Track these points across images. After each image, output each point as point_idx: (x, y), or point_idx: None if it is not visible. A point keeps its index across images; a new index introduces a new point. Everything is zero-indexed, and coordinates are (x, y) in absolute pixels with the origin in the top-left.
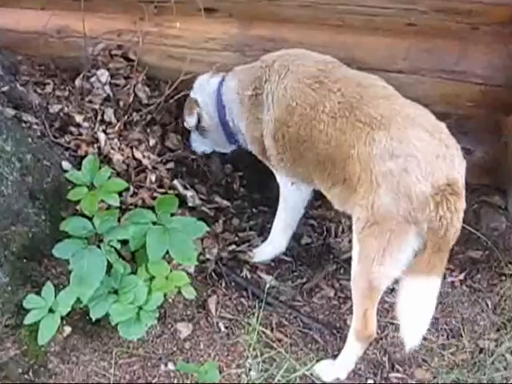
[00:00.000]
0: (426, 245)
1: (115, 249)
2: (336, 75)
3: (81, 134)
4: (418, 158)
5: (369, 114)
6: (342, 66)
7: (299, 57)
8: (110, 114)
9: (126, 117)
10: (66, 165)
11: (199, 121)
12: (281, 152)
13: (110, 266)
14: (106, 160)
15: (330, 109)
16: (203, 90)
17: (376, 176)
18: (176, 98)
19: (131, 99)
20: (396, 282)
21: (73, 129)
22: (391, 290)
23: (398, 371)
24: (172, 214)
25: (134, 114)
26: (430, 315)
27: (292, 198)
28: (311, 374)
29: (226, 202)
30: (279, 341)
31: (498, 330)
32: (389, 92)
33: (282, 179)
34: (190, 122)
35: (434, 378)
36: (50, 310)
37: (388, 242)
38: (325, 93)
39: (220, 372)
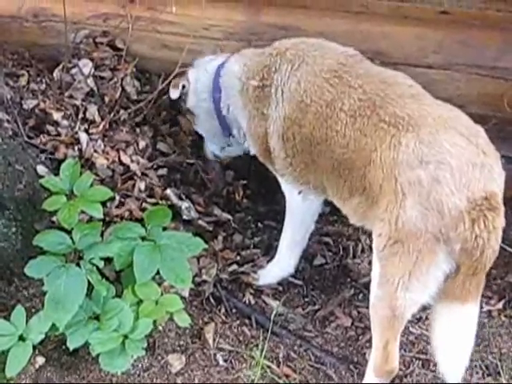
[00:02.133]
0: (459, 267)
1: (97, 268)
2: (358, 70)
3: (59, 134)
4: (452, 166)
5: (394, 114)
6: (364, 60)
7: (316, 47)
8: (93, 112)
9: (111, 115)
10: (41, 169)
11: (181, 97)
12: (290, 155)
13: (90, 287)
14: (87, 164)
15: (350, 107)
16: (200, 66)
17: (401, 185)
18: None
19: (118, 94)
20: (423, 309)
21: (50, 128)
22: (417, 320)
23: None
24: (164, 229)
25: (122, 111)
26: (469, 348)
27: (300, 211)
28: None
29: (226, 215)
30: (287, 377)
31: None
32: (417, 91)
33: (287, 187)
34: (172, 94)
35: None
36: (21, 338)
37: (414, 263)
38: (344, 89)
39: None
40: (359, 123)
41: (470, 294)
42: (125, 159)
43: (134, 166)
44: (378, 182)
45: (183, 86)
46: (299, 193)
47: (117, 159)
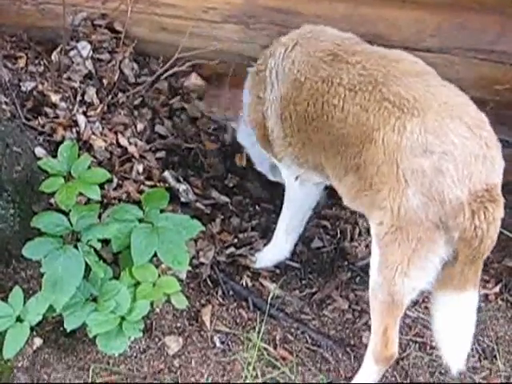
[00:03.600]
0: (457, 255)
1: (95, 249)
2: (354, 48)
3: (57, 117)
4: (455, 158)
5: (398, 94)
6: (361, 42)
7: (312, 32)
8: (91, 94)
9: (109, 97)
10: (39, 151)
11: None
12: (288, 134)
13: (88, 269)
14: (85, 147)
15: (349, 81)
16: None
17: (404, 172)
18: (168, 76)
19: (116, 77)
20: (420, 293)
21: (48, 110)
22: (414, 303)
23: None
24: (161, 211)
25: (120, 94)
26: (470, 334)
27: (297, 197)
28: None
29: (224, 198)
30: (283, 359)
31: None
32: (420, 68)
33: (286, 173)
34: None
35: None
36: (18, 319)
37: (414, 250)
38: (341, 66)
39: None
40: (360, 97)
41: (469, 281)
42: (123, 141)
43: (131, 149)
44: (376, 164)
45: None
46: (296, 178)
47: (115, 141)
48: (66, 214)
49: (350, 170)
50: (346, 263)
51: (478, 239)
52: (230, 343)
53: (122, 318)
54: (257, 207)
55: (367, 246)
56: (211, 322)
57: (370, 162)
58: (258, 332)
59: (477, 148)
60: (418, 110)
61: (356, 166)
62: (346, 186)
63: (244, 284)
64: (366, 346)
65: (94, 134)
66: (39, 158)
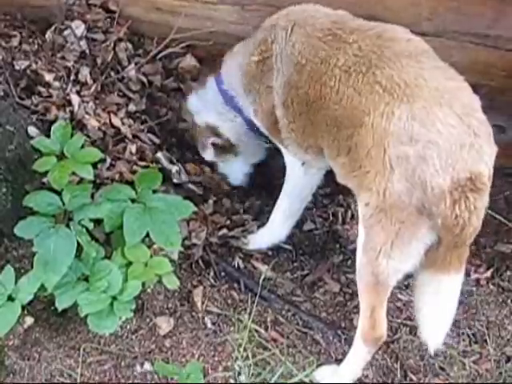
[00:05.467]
0: (441, 240)
1: (87, 229)
2: (351, 25)
3: (51, 96)
4: (440, 146)
5: (391, 78)
6: (356, 18)
7: (306, 11)
8: (85, 74)
9: (103, 77)
10: (32, 130)
11: (220, 146)
12: (291, 120)
13: (80, 248)
14: (79, 126)
15: (344, 62)
16: (204, 103)
17: (390, 158)
18: (163, 56)
19: (110, 57)
20: (411, 276)
21: (41, 89)
22: (406, 287)
23: (411, 380)
24: (154, 191)
25: (114, 74)
26: (450, 315)
27: (300, 183)
28: (310, 381)
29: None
30: (274, 341)
31: None
32: (415, 47)
33: (291, 159)
34: (207, 157)
35: None
36: (9, 298)
37: (397, 233)
38: (339, 45)
39: (204, 375)
40: (353, 80)
41: (452, 265)
42: (116, 122)
43: (125, 129)
44: (366, 147)
45: (213, 144)
46: (302, 164)
47: (108, 121)
48: (59, 193)
49: (342, 151)
50: (337, 246)
51: (459, 227)
52: (221, 324)
53: (114, 298)
54: (250, 189)
55: None
56: (202, 302)
57: (360, 145)
58: (250, 313)
59: (463, 137)
60: (408, 97)
61: (348, 147)
62: (338, 165)
63: (236, 265)
64: (356, 328)
65: (87, 113)
66: (32, 137)
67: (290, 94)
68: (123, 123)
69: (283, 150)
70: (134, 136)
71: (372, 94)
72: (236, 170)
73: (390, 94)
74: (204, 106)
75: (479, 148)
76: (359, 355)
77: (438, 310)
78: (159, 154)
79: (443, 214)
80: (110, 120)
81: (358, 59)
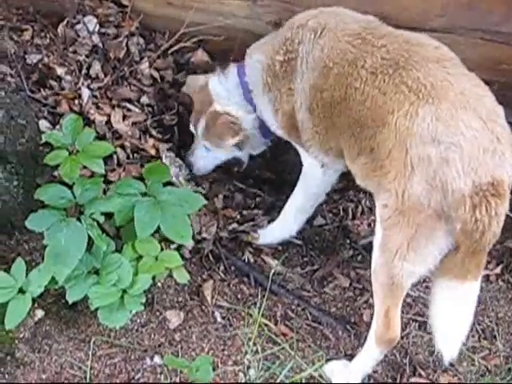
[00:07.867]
0: (459, 246)
1: (98, 222)
2: (381, 31)
3: (62, 89)
4: (463, 149)
5: (417, 79)
6: (384, 24)
7: (337, 14)
8: (96, 68)
9: (115, 72)
10: (43, 124)
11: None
12: (316, 124)
13: (91, 242)
14: (90, 120)
15: (371, 64)
16: (225, 91)
17: (411, 158)
18: (174, 51)
19: (122, 52)
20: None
21: (53, 83)
22: (415, 283)
23: (420, 376)
24: (164, 185)
25: (125, 68)
26: (467, 324)
27: (317, 184)
28: (319, 376)
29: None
30: (284, 335)
31: None
32: (443, 54)
33: (310, 161)
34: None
35: None
36: (20, 291)
37: (413, 236)
38: (367, 48)
39: (214, 369)
40: (379, 81)
41: (469, 272)
42: (127, 115)
43: (131, 125)
44: (388, 147)
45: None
46: (322, 166)
47: (120, 116)
48: (70, 186)
49: (364, 151)
50: (347, 241)
51: (479, 232)
52: (230, 318)
53: (124, 292)
54: (261, 185)
55: (369, 225)
56: (212, 297)
57: (382, 145)
58: (259, 308)
59: (487, 142)
60: (433, 98)
61: (370, 147)
62: (359, 166)
63: (246, 260)
64: (366, 323)
65: (98, 107)
66: (43, 131)
67: (315, 99)
68: (133, 117)
69: (302, 151)
70: (145, 131)
71: (397, 93)
72: (209, 161)
73: (415, 94)
74: (226, 94)
75: (501, 154)
76: (371, 355)
77: (454, 319)
78: (163, 154)
79: (462, 218)
80: (122, 114)
81: (385, 61)
